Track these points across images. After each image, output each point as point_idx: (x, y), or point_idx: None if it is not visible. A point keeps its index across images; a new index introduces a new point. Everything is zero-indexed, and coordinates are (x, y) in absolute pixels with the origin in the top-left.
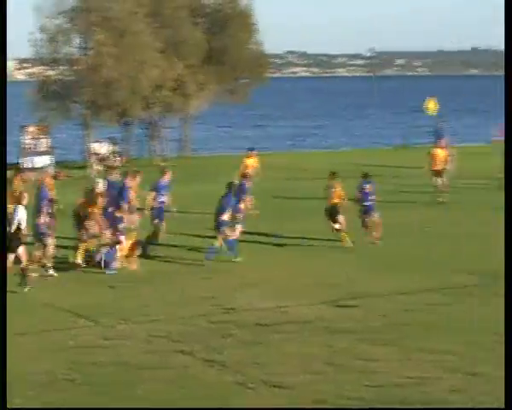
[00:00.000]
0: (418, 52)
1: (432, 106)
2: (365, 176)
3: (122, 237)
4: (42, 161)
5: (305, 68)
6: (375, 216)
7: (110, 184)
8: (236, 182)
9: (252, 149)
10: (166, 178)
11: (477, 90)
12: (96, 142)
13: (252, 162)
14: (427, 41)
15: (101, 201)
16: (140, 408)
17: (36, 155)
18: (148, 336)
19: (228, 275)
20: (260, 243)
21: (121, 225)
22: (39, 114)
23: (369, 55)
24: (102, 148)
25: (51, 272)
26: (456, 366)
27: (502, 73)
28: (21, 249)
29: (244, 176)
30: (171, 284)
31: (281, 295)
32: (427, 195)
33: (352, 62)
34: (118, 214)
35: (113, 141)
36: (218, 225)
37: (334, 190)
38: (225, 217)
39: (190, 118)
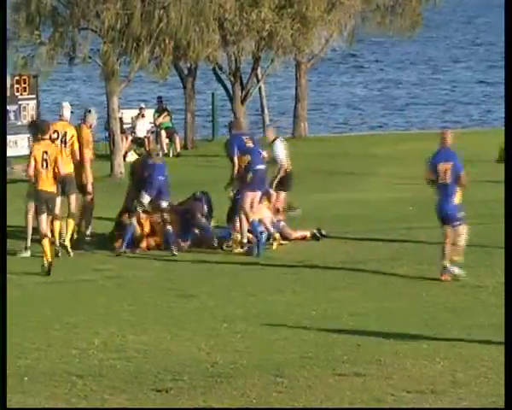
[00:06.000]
0: None
1: None
2: None
3: None
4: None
5: None
6: None
7: None
8: None
9: None
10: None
11: None
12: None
13: None
14: None
15: None
16: (144, 409)
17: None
18: None
19: None
20: None
21: None
22: (17, 53)
23: None
24: (141, 121)
25: None
26: None
27: None
28: None
29: None
30: None
31: None
32: None
33: None
34: None
35: (161, 107)
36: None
37: None
38: None
39: (309, 66)
